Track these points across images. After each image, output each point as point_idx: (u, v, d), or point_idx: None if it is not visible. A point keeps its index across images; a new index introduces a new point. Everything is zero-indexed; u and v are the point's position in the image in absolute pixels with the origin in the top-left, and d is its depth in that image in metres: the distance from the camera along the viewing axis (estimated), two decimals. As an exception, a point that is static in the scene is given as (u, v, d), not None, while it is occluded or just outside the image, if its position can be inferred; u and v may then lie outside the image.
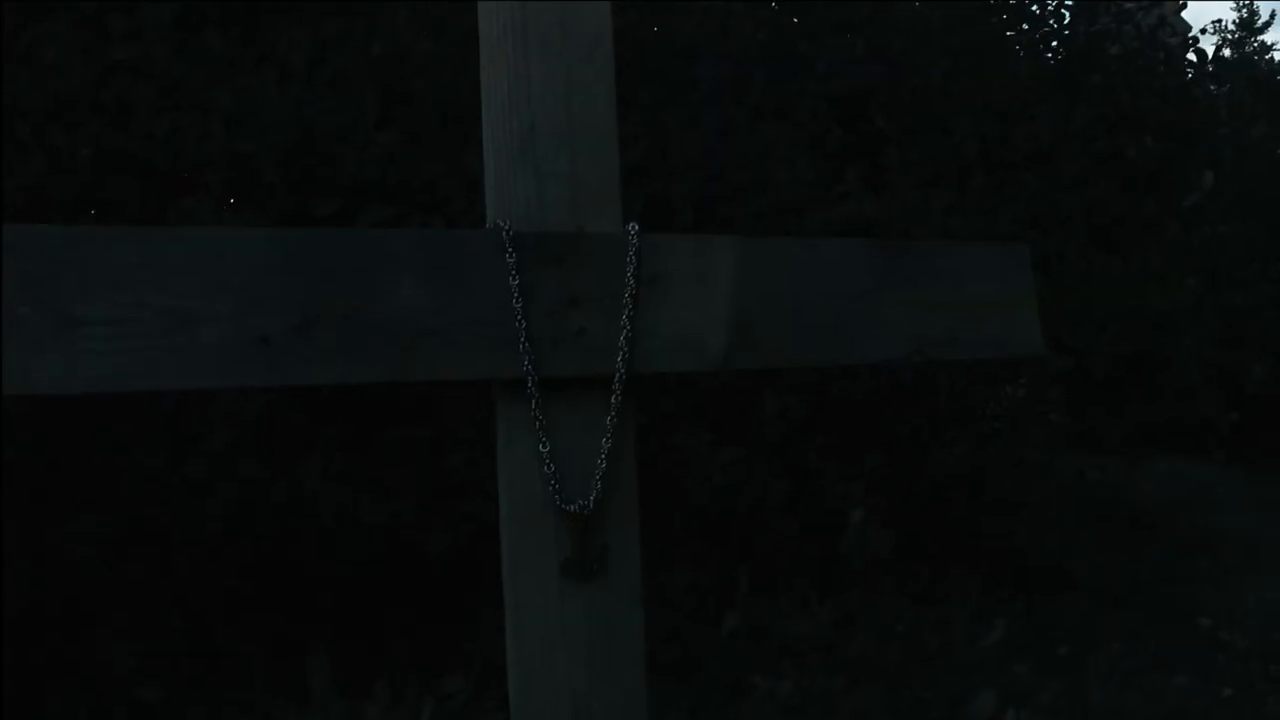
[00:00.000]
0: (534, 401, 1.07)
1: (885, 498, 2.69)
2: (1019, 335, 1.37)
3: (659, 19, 3.04)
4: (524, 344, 1.06)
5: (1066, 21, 5.00)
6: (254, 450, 2.32)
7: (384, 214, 2.21)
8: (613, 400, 1.11)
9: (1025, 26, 4.72)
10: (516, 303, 1.06)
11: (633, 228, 1.13)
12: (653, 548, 2.89)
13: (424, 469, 2.48)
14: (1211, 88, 6.93)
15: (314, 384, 1.01)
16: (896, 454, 2.84)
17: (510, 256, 1.06)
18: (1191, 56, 6.55)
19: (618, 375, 1.11)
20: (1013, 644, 3.24)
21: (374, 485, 2.46)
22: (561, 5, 1.15)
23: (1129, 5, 5.58)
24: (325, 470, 2.35)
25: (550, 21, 1.15)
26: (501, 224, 1.08)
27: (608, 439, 1.12)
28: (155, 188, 2.34)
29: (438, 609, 2.69)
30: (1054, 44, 5.08)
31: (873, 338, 1.25)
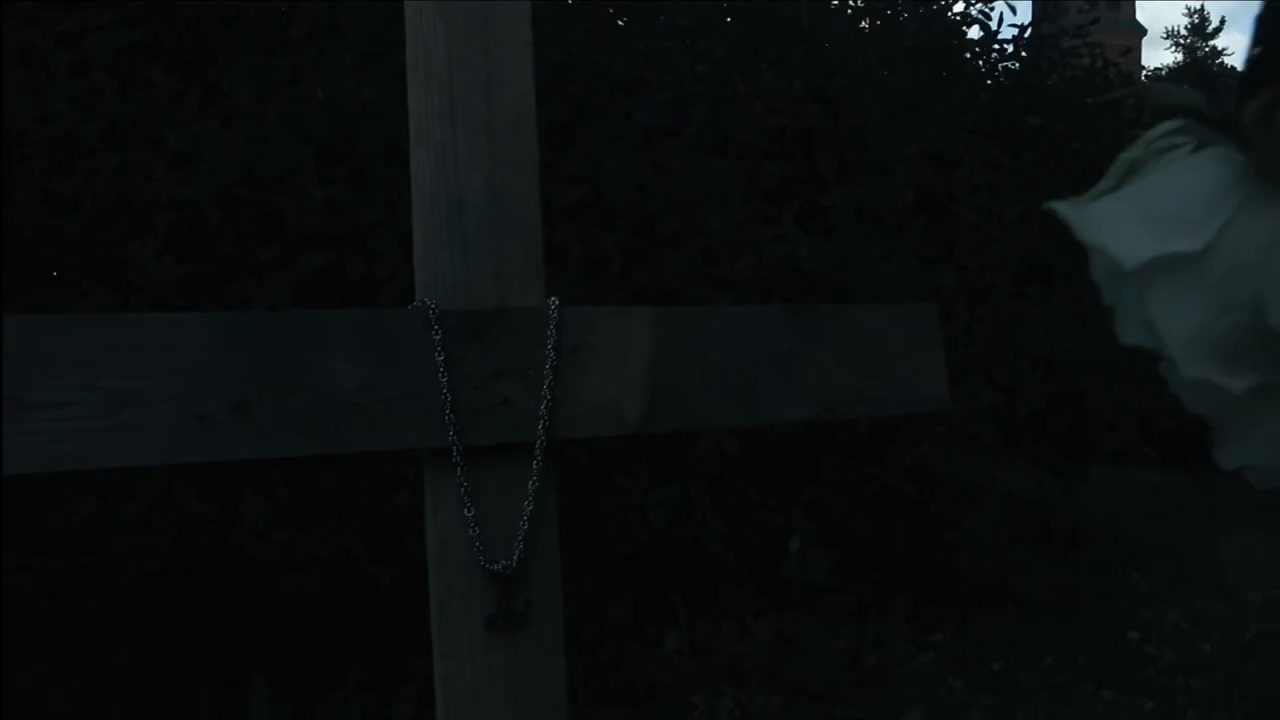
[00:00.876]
0: (459, 469, 1.14)
1: (822, 525, 2.78)
2: (927, 391, 1.45)
3: (603, 54, 3.11)
4: (449, 415, 1.13)
5: (1009, 58, 5.16)
6: (196, 486, 2.36)
7: (325, 259, 2.27)
8: (534, 465, 1.18)
9: (968, 61, 4.85)
10: (442, 377, 1.13)
11: (554, 302, 1.20)
12: (599, 580, 2.97)
13: (369, 507, 2.54)
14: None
15: (249, 458, 1.08)
16: (829, 486, 2.93)
17: (436, 334, 1.13)
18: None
19: (539, 442, 1.18)
20: (948, 660, 3.34)
21: (320, 520, 2.50)
22: (487, 88, 1.22)
23: (1071, 44, 5.74)
24: (270, 506, 2.39)
25: (477, 103, 1.22)
26: (428, 303, 1.14)
27: (529, 501, 1.18)
28: (102, 228, 2.38)
29: (384, 640, 2.74)
30: (993, 83, 5.22)
31: (786, 398, 1.33)
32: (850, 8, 3.59)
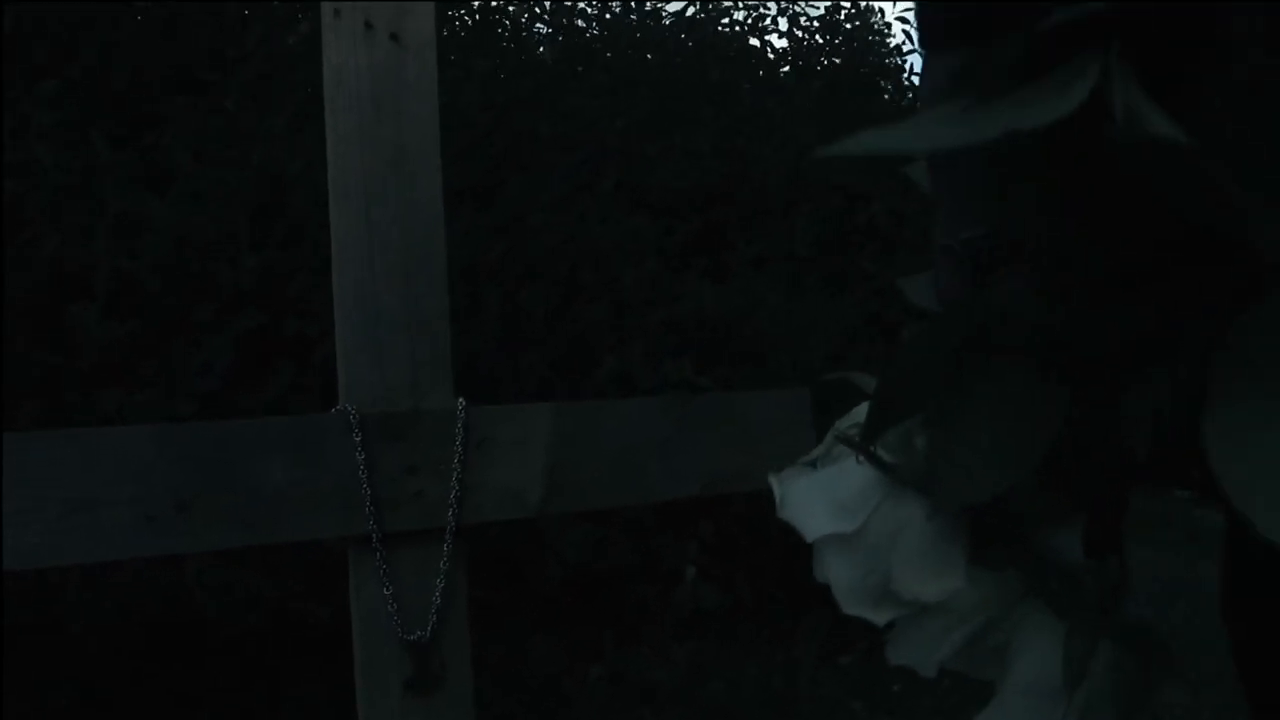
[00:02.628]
0: (379, 554, 1.30)
1: (720, 557, 2.97)
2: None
3: (528, 118, 3.29)
4: (369, 508, 1.29)
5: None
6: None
7: (259, 319, 2.41)
8: (445, 548, 1.34)
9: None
10: (363, 473, 1.29)
11: (461, 403, 1.37)
12: (524, 617, 3.12)
13: (308, 551, 2.67)
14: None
15: (193, 551, 1.23)
16: (730, 519, 3.11)
17: (357, 436, 1.29)
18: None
19: (449, 528, 1.34)
20: (854, 684, 3.54)
21: (259, 563, 2.63)
22: (401, 212, 1.39)
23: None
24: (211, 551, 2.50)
25: (392, 227, 1.38)
26: (349, 408, 1.30)
27: (441, 579, 1.35)
28: (43, 291, 2.50)
29: (322, 680, 2.87)
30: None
31: (671, 479, 1.50)
32: (761, 69, 3.80)
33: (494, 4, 4.84)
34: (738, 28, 4.67)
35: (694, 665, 3.30)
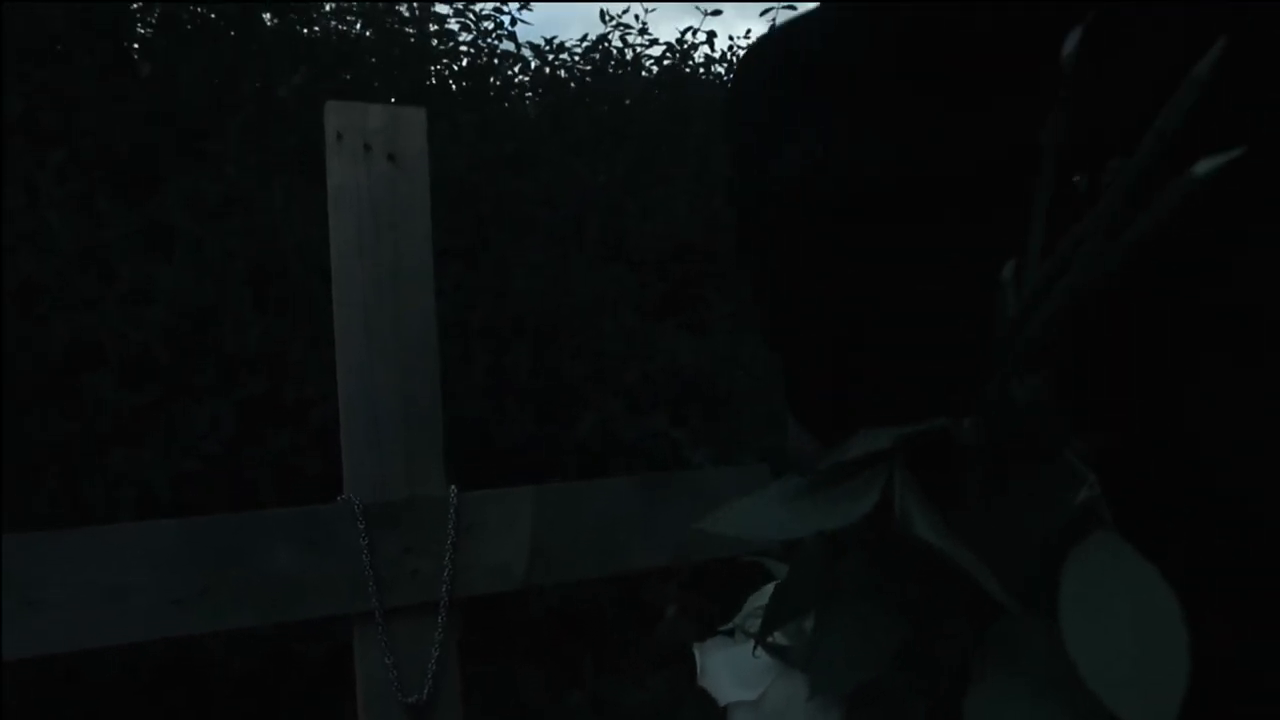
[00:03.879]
0: (380, 627, 1.45)
1: (699, 593, 3.12)
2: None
3: (514, 179, 3.45)
4: (372, 586, 1.44)
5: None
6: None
7: (261, 384, 2.56)
8: (439, 620, 1.50)
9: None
10: (365, 557, 1.44)
11: (453, 490, 1.52)
12: (510, 653, 3.27)
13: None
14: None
15: (214, 631, 1.38)
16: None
17: (360, 524, 1.45)
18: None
19: (443, 602, 1.49)
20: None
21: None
22: (397, 317, 1.54)
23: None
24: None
25: (388, 331, 1.54)
26: (353, 498, 1.46)
27: (437, 647, 1.50)
28: (60, 359, 2.64)
29: (320, 709, 3.01)
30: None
31: (643, 550, 1.66)
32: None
33: (480, 60, 5.01)
34: (717, 81, 4.85)
35: (671, 691, 3.45)
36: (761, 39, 0.66)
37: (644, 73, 4.66)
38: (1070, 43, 0.35)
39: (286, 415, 2.58)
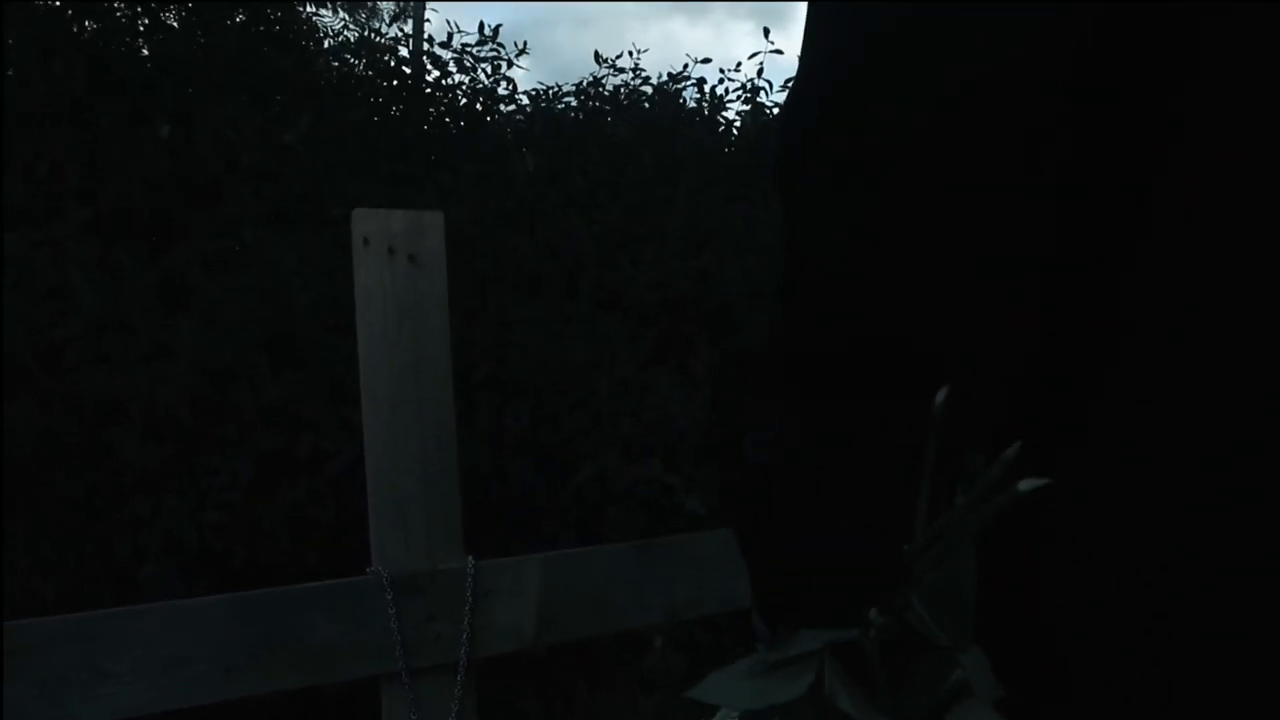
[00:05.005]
0: (406, 686, 1.63)
1: (684, 624, 3.29)
2: (740, 594, 1.97)
3: (512, 236, 3.63)
4: (399, 650, 1.62)
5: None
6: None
7: (278, 438, 2.74)
8: (459, 678, 1.67)
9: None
10: (393, 624, 1.62)
11: (471, 561, 1.70)
12: (509, 678, 3.43)
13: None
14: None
15: (260, 694, 1.55)
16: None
17: (389, 595, 1.62)
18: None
19: (462, 662, 1.67)
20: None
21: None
22: (419, 408, 1.72)
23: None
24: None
25: (411, 420, 1.71)
26: (382, 571, 1.63)
27: (456, 702, 1.67)
28: (83, 417, 2.81)
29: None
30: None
31: (638, 610, 1.84)
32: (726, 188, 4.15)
33: (479, 103, 5.20)
34: (706, 122, 5.05)
35: (661, 715, 3.63)
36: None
37: (640, 104, 4.86)
38: (940, 397, 0.53)
39: (302, 466, 2.76)
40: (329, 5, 8.74)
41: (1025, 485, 0.53)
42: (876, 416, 0.61)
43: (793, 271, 0.70)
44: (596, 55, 5.63)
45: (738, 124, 4.85)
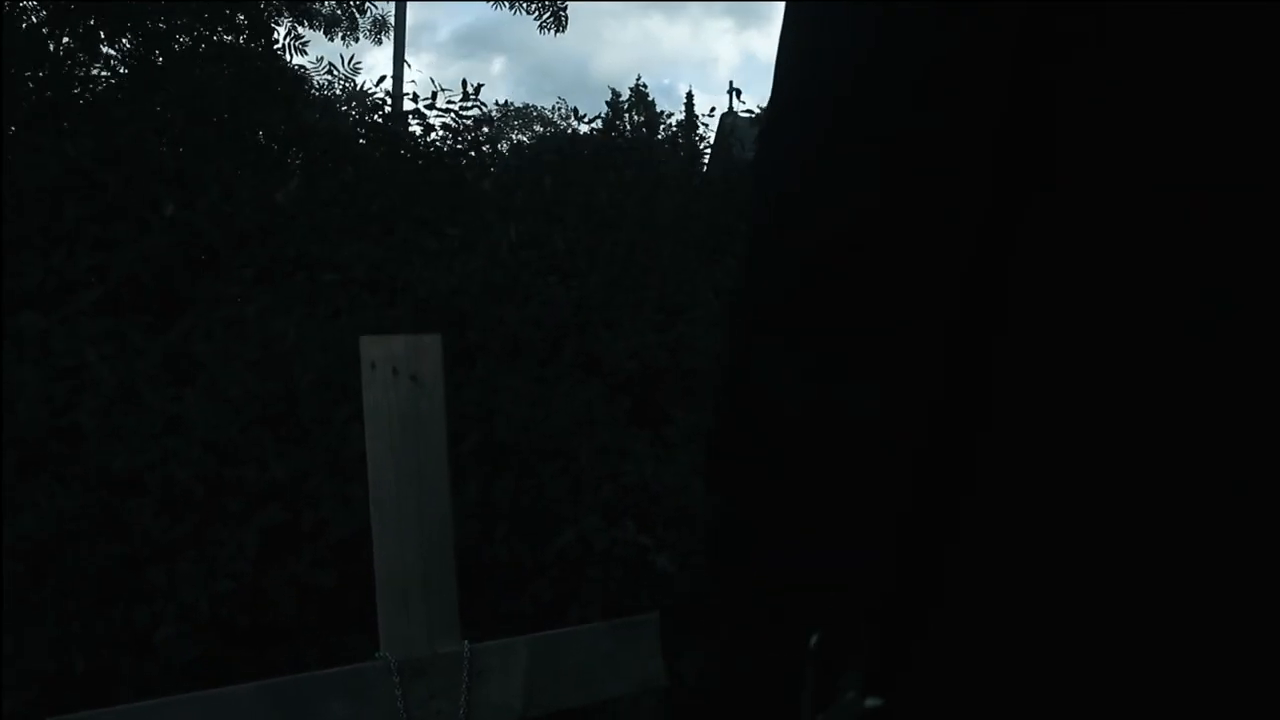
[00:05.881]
0: (411, 758, 1.86)
1: (658, 694, 3.52)
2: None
3: (498, 307, 3.86)
4: (404, 727, 1.85)
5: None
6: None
7: (282, 512, 2.96)
8: (457, 750, 1.90)
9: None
10: (400, 704, 1.85)
11: (466, 645, 1.93)
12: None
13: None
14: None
15: (285, 769, 1.78)
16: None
17: (395, 677, 1.85)
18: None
19: (460, 736, 1.90)
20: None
21: None
22: (419, 508, 1.95)
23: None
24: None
25: (414, 524, 1.95)
26: (389, 657, 1.87)
27: (455, 771, 1.91)
28: (102, 489, 3.02)
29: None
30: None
31: (614, 682, 2.07)
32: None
33: (463, 161, 5.43)
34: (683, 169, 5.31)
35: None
36: None
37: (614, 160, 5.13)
38: (813, 641, 0.77)
39: (304, 537, 2.98)
40: (310, 25, 8.83)
41: (871, 702, 0.77)
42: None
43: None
44: (575, 112, 5.88)
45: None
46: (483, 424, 3.36)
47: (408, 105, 5.85)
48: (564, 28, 8.24)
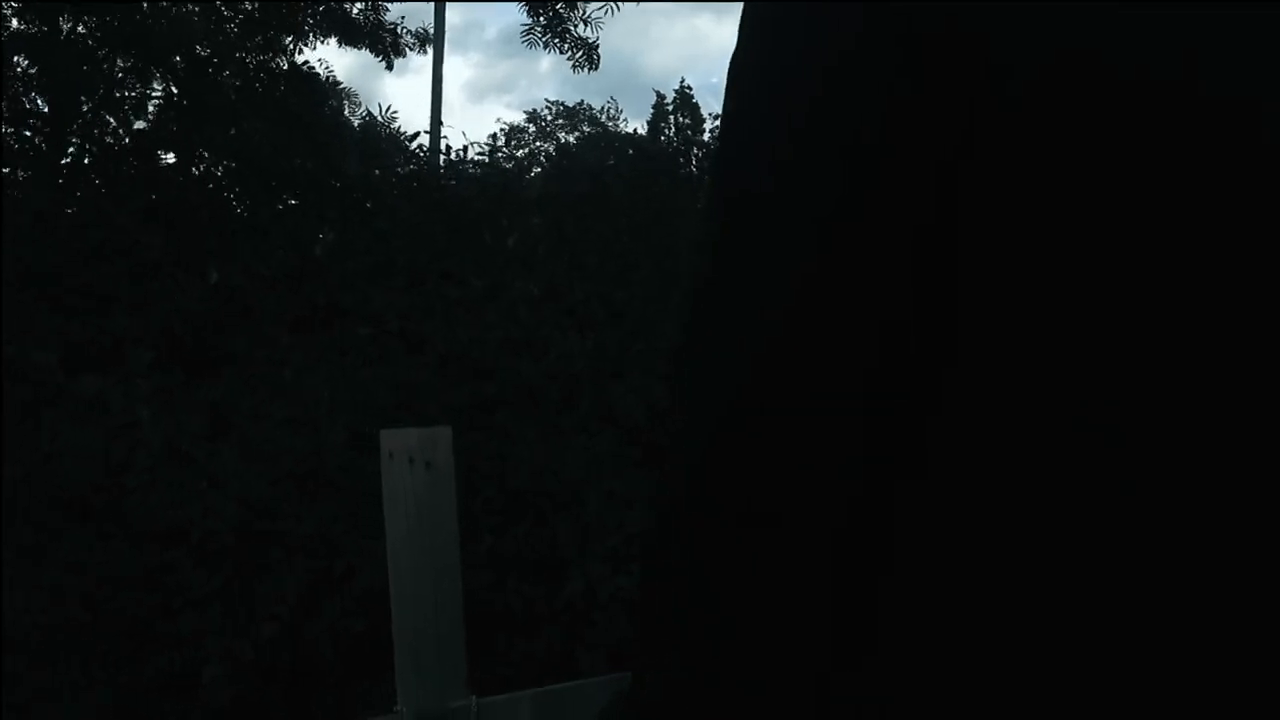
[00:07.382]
0: (425, 802, 2.12)
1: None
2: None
3: (514, 360, 4.13)
4: (420, 774, 2.11)
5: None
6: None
7: (316, 564, 3.25)
8: (466, 794, 2.16)
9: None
10: (415, 754, 2.11)
11: (474, 699, 2.19)
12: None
13: None
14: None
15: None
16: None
17: (411, 731, 2.12)
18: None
19: (468, 782, 2.16)
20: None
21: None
22: (433, 573, 2.21)
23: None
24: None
25: (429, 598, 2.21)
26: (405, 710, 2.13)
27: (464, 813, 2.17)
28: (145, 543, 3.31)
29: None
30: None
31: (608, 731, 2.32)
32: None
33: (488, 217, 5.70)
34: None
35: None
36: None
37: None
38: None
39: (334, 586, 3.26)
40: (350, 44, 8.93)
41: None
42: None
43: None
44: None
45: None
46: (499, 478, 3.63)
47: (441, 158, 6.12)
48: (597, 66, 8.50)
